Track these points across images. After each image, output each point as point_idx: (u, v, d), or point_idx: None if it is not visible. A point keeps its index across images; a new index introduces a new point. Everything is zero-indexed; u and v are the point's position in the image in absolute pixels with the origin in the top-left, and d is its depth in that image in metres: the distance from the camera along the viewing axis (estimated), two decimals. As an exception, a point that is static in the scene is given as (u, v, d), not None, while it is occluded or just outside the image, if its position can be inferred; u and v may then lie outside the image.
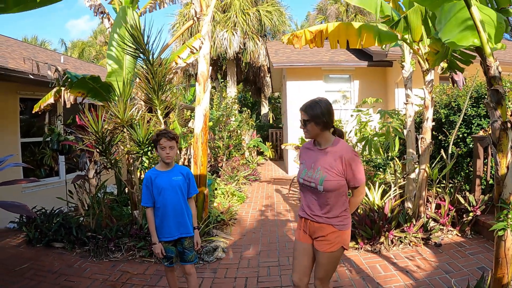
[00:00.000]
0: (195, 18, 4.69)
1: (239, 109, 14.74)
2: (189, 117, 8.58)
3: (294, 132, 10.44)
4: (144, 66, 4.25)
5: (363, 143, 5.24)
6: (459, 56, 3.51)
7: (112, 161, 4.29)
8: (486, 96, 5.02)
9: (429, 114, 4.60)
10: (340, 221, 2.34)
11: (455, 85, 4.28)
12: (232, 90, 16.60)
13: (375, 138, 5.05)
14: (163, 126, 4.56)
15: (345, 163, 2.25)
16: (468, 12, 1.94)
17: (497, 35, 2.03)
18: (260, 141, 13.05)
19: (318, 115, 2.27)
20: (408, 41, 4.12)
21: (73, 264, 4.20)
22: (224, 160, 10.58)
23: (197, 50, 4.89)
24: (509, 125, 1.98)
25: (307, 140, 2.51)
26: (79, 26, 58.57)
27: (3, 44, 8.01)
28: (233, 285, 3.67)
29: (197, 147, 4.99)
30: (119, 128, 4.30)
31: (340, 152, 2.28)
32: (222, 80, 18.16)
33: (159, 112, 4.45)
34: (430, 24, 3.40)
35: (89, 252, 4.45)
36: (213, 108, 11.43)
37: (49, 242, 4.66)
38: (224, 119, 11.09)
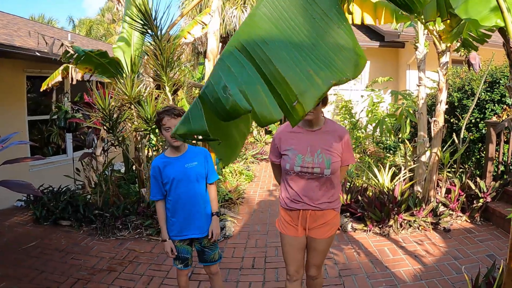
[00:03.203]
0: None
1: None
2: (198, 95, 8.47)
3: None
4: (153, 42, 4.14)
5: (373, 124, 5.13)
6: (473, 35, 3.37)
7: (120, 139, 4.24)
8: (501, 81, 4.85)
9: (443, 97, 4.47)
10: (338, 202, 2.30)
11: (471, 68, 4.13)
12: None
13: (386, 119, 4.93)
14: (171, 103, 4.49)
15: (344, 142, 2.17)
16: None
17: None
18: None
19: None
20: (424, 20, 3.97)
21: (80, 242, 4.22)
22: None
23: (206, 25, 4.75)
24: None
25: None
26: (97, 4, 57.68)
27: (10, 22, 7.88)
28: (240, 265, 3.66)
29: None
30: (127, 105, 4.24)
31: (338, 131, 2.20)
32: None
33: (167, 89, 4.36)
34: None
35: (96, 230, 4.46)
36: None
37: (56, 220, 4.69)
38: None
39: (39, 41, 4.74)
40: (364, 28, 10.01)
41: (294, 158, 2.14)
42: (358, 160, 6.41)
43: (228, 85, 1.00)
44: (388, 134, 4.97)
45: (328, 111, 9.47)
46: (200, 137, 1.05)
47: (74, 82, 4.67)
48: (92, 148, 4.87)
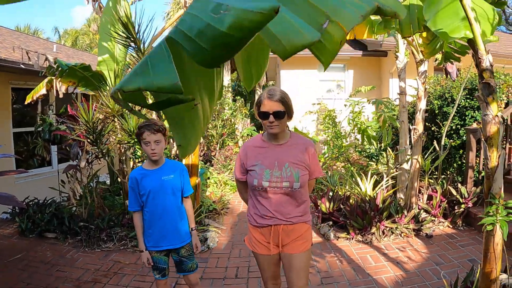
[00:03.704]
0: (186, 7, 4.61)
1: (233, 97, 14.62)
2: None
3: (292, 120, 10.43)
4: (135, 55, 4.19)
5: (358, 133, 5.24)
6: (455, 47, 3.49)
7: (104, 151, 4.26)
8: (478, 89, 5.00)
9: (422, 105, 4.60)
10: (309, 216, 2.25)
11: (448, 76, 4.26)
12: (225, 78, 16.48)
13: (369, 128, 5.05)
14: (154, 115, 4.53)
15: (310, 154, 2.15)
16: (460, 2, 1.92)
17: (490, 27, 2.00)
18: (254, 130, 13.01)
19: (291, 106, 2.07)
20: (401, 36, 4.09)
21: (65, 254, 4.20)
22: (218, 149, 10.55)
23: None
24: (500, 119, 1.98)
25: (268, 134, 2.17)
26: (83, 14, 57.46)
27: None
28: (224, 274, 3.69)
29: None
30: (110, 117, 4.27)
31: (304, 144, 2.17)
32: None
33: (150, 100, 4.40)
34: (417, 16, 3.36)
35: (81, 242, 4.46)
36: None
37: (42, 233, 4.66)
38: (217, 108, 11.02)
39: (23, 55, 4.76)
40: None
41: (262, 173, 2.09)
42: (342, 168, 6.51)
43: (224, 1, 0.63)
44: (373, 142, 5.08)
45: (312, 120, 9.58)
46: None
47: (61, 96, 4.69)
48: (77, 160, 4.87)
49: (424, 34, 3.53)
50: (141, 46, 4.18)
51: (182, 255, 2.59)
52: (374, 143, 5.22)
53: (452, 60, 3.64)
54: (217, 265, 3.93)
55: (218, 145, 10.66)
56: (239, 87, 25.78)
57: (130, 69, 4.47)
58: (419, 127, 4.62)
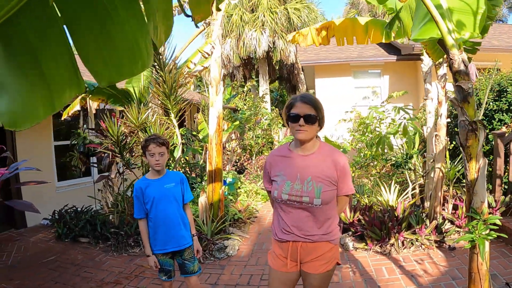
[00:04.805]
0: (204, 24, 4.86)
1: (271, 107, 14.77)
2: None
3: (325, 129, 10.33)
4: (156, 73, 4.50)
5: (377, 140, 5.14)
6: (464, 46, 3.35)
7: (127, 162, 4.58)
8: (508, 89, 4.71)
9: (443, 110, 4.42)
10: (335, 234, 2.03)
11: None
12: (264, 88, 16.73)
13: (389, 136, 4.93)
14: (176, 129, 4.79)
15: (339, 169, 1.94)
16: (434, 1, 1.85)
17: (474, 20, 1.92)
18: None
19: (323, 114, 1.93)
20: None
21: (94, 257, 4.55)
22: (254, 158, 10.66)
23: (209, 55, 5.06)
24: (478, 125, 1.90)
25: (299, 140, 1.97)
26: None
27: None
28: (237, 281, 3.79)
29: (211, 148, 5.15)
30: (135, 131, 4.59)
31: (332, 156, 1.97)
32: (255, 79, 18.34)
33: (172, 115, 4.68)
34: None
35: (111, 246, 4.79)
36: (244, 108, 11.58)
37: (76, 237, 5.09)
38: (254, 118, 11.17)
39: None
40: (382, 42, 9.98)
41: (283, 185, 1.94)
42: (371, 177, 6.37)
43: None
44: (386, 151, 4.95)
45: (347, 128, 9.43)
46: None
47: (93, 111, 5.13)
48: (109, 172, 5.27)
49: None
50: (162, 63, 4.50)
51: (185, 257, 2.77)
52: (389, 149, 5.06)
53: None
54: (232, 272, 4.04)
55: (254, 155, 10.79)
56: (281, 97, 25.98)
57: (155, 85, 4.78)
58: (441, 133, 4.44)
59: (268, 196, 2.26)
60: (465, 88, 1.85)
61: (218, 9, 4.52)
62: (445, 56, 3.76)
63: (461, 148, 1.92)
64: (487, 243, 1.82)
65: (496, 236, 1.81)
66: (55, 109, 0.81)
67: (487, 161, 2.10)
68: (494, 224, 1.82)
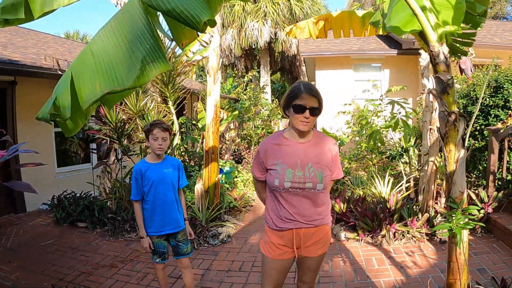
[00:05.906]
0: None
1: (272, 98, 14.77)
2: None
3: (324, 121, 10.36)
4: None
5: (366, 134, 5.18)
6: (458, 38, 3.35)
7: (125, 148, 4.64)
8: (504, 85, 4.72)
9: (438, 104, 4.44)
10: (330, 217, 2.15)
11: (463, 74, 4.08)
12: (264, 79, 16.72)
13: (382, 130, 4.97)
14: (174, 116, 4.84)
15: (333, 155, 2.04)
16: None
17: (452, 15, 1.94)
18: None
19: (323, 104, 1.97)
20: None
21: (91, 241, 4.65)
22: (253, 148, 10.68)
23: (207, 44, 5.08)
24: (457, 115, 1.93)
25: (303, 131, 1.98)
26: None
27: (40, 41, 8.65)
28: (229, 267, 3.88)
29: (208, 136, 5.20)
30: (133, 118, 4.64)
31: (328, 143, 2.05)
32: (256, 70, 18.31)
33: (170, 102, 4.73)
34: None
35: (108, 231, 4.88)
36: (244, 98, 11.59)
37: (74, 222, 5.18)
38: (254, 108, 11.18)
39: (53, 63, 5.27)
40: (383, 36, 9.94)
41: (284, 173, 1.95)
42: (366, 169, 6.42)
43: None
44: (377, 145, 5.00)
45: (346, 121, 9.45)
46: None
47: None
48: (107, 159, 5.33)
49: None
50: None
51: (178, 239, 2.88)
52: (382, 143, 5.10)
53: (460, 55, 3.49)
54: (225, 258, 4.12)
55: (253, 145, 10.81)
56: (282, 88, 25.95)
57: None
58: (435, 127, 4.48)
59: (255, 185, 2.26)
60: (444, 80, 1.88)
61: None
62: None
63: (440, 139, 1.96)
64: (465, 233, 1.87)
65: (474, 225, 1.86)
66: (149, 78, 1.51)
67: (466, 152, 2.14)
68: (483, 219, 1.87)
